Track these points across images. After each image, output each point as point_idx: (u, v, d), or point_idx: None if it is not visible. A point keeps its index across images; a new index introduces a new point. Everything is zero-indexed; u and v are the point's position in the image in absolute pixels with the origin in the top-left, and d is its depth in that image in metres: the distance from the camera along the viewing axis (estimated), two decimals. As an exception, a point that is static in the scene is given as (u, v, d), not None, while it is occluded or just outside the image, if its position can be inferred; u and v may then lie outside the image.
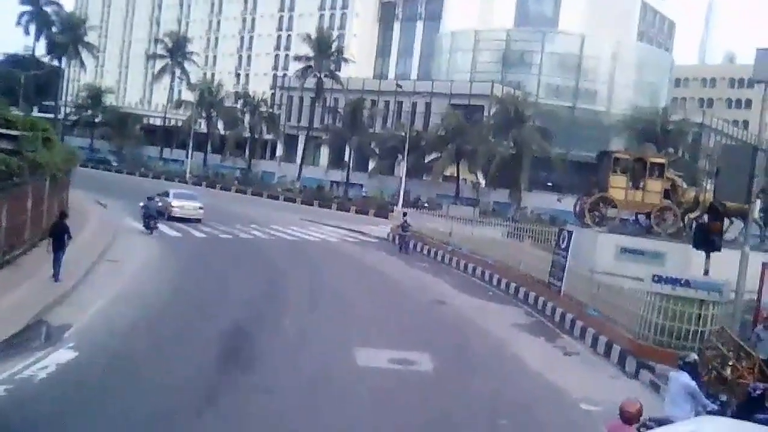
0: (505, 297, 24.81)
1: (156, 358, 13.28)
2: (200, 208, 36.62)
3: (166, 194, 36.89)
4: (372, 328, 17.77)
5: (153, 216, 30.76)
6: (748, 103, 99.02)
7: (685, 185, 30.02)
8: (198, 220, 35.67)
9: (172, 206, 35.72)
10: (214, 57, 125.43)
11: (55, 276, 18.10)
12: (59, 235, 18.72)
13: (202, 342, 14.67)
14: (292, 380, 12.87)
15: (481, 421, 12.04)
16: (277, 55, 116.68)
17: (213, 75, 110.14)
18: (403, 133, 57.27)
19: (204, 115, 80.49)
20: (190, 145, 73.51)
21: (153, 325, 15.81)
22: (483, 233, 34.57)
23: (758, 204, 23.94)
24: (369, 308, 20.40)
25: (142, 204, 31.57)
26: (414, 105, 66.69)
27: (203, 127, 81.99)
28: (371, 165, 69.49)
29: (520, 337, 18.97)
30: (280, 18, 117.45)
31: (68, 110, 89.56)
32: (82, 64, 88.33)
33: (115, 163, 78.78)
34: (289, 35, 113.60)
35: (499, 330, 19.25)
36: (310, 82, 73.19)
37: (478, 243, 31.49)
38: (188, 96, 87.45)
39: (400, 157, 59.53)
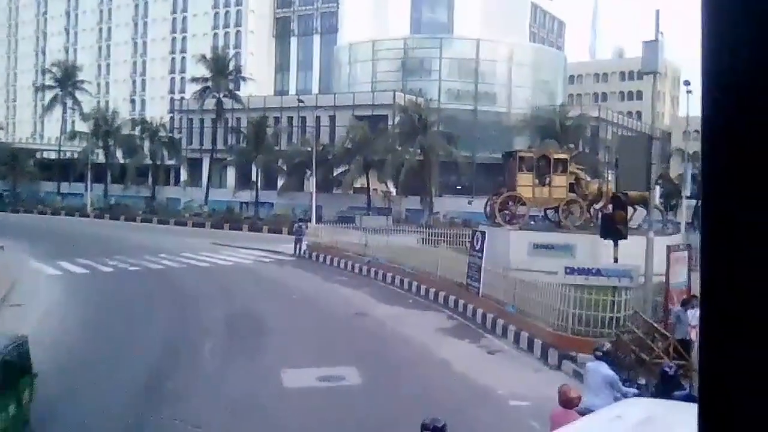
0: (425, 303, 24.94)
1: (72, 404, 12.68)
2: None
3: None
4: (296, 348, 17.53)
5: None
6: (639, 95, 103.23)
7: (588, 178, 30.96)
8: None
9: None
10: (107, 84, 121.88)
11: None
12: None
13: (120, 382, 14.11)
14: (219, 410, 12.54)
15: (415, 429, 12.00)
16: (172, 78, 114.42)
17: (107, 103, 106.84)
18: (310, 148, 57.01)
19: (101, 144, 77.63)
20: (89, 177, 70.83)
21: (66, 371, 15.05)
22: (398, 242, 34.73)
23: (658, 191, 24.92)
24: (291, 327, 20.13)
25: None
26: (318, 119, 66.58)
27: (101, 158, 79.28)
28: (280, 183, 68.83)
29: (444, 341, 19.10)
30: (173, 40, 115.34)
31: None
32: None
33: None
34: (183, 57, 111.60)
35: (423, 336, 19.33)
36: (210, 103, 71.90)
37: (395, 252, 31.59)
38: (82, 126, 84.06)
39: (308, 172, 59.20)
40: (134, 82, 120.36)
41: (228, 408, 12.75)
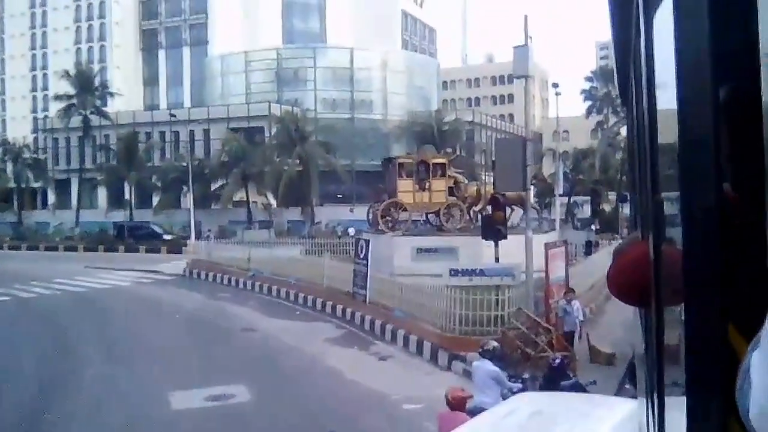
0: (313, 314, 24.77)
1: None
2: None
3: None
4: (182, 369, 16.93)
5: None
6: (511, 98, 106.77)
7: (466, 181, 31.67)
8: None
9: None
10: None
11: None
12: None
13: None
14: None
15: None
16: (34, 96, 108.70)
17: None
18: (185, 163, 55.63)
19: (-40, 169, 73.46)
20: (-53, 203, 66.75)
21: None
22: (282, 254, 34.39)
23: (533, 190, 25.79)
24: (176, 348, 19.42)
25: None
26: (192, 133, 65.11)
27: (-40, 183, 74.73)
28: (155, 200, 66.78)
29: (333, 350, 18.99)
30: (33, 56, 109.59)
31: None
32: None
33: None
34: (45, 74, 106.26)
35: (312, 347, 19.15)
36: (76, 121, 68.92)
37: (279, 264, 31.21)
38: (-62, 150, 79.24)
39: (185, 188, 57.76)
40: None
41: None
